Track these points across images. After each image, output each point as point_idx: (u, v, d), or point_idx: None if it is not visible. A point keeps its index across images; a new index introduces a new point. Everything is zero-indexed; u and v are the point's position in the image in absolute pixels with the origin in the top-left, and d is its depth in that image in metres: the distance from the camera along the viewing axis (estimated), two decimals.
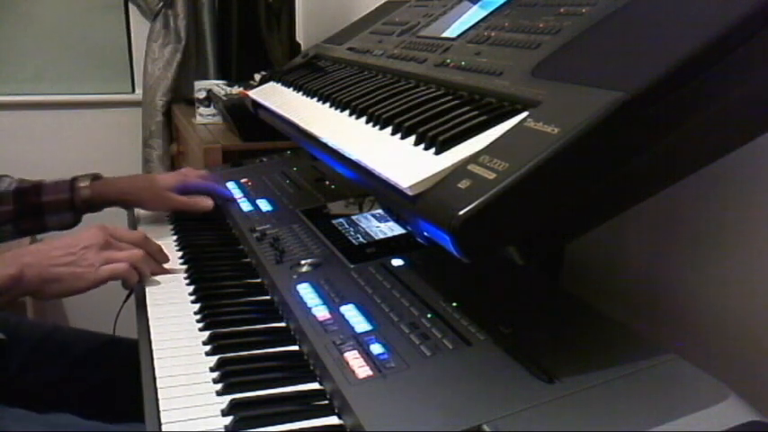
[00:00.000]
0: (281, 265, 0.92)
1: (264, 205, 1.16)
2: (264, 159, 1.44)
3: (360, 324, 0.74)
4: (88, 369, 1.13)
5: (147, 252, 0.94)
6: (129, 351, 1.02)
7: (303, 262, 0.91)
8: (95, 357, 1.15)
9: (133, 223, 1.20)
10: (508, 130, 0.59)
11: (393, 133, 0.71)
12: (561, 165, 0.52)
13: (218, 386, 0.70)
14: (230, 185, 1.28)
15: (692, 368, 0.60)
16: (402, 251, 0.90)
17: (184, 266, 1.00)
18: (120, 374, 1.11)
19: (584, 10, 0.70)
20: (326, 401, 0.67)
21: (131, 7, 2.54)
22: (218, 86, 1.98)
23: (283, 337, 0.80)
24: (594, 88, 0.55)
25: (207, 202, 1.17)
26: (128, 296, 1.05)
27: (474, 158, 0.57)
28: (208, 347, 0.78)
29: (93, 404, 1.10)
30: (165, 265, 0.98)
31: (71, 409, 1.06)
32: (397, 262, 0.87)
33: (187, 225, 1.17)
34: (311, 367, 0.73)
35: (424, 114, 0.70)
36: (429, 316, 0.74)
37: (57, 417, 1.02)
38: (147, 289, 0.94)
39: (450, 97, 0.72)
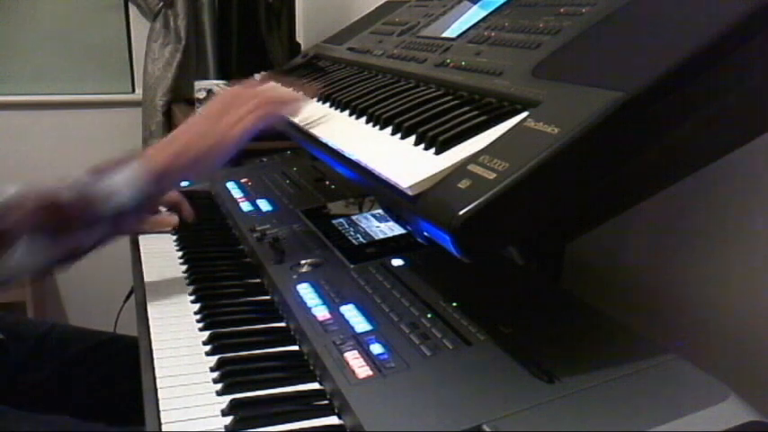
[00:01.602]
0: (281, 265, 0.92)
1: (264, 205, 1.16)
2: (264, 159, 1.44)
3: (360, 324, 0.74)
4: (88, 367, 1.13)
5: (270, 96, 0.91)
6: (129, 348, 1.02)
7: (303, 262, 0.91)
8: (95, 355, 1.15)
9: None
10: (508, 130, 0.59)
11: (393, 133, 0.71)
12: (561, 165, 0.52)
13: (218, 386, 0.70)
14: (230, 185, 1.28)
15: (692, 368, 0.60)
16: (402, 251, 0.90)
17: (184, 266, 1.00)
18: (121, 372, 1.11)
19: (584, 10, 0.70)
20: (326, 401, 0.67)
21: (131, 7, 2.54)
22: (218, 86, 1.98)
23: (283, 337, 0.80)
24: (594, 88, 0.55)
25: (172, 220, 1.13)
26: (128, 296, 1.05)
27: (474, 158, 0.57)
28: (208, 347, 0.78)
29: (93, 403, 1.10)
30: (166, 264, 0.98)
31: (71, 408, 1.06)
32: (397, 262, 0.87)
33: (187, 225, 1.17)
34: (311, 367, 0.73)
35: (424, 114, 0.70)
36: (429, 316, 0.74)
37: (56, 417, 1.02)
38: (148, 289, 0.94)
39: (450, 97, 0.72)
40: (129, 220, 0.84)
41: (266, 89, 0.93)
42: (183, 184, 1.35)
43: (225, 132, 0.86)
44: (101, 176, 0.81)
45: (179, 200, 1.16)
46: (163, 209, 1.19)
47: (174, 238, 1.12)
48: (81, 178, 0.81)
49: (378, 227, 1.00)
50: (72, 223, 0.79)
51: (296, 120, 0.91)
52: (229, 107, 0.88)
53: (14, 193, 0.79)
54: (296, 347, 0.77)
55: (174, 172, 0.85)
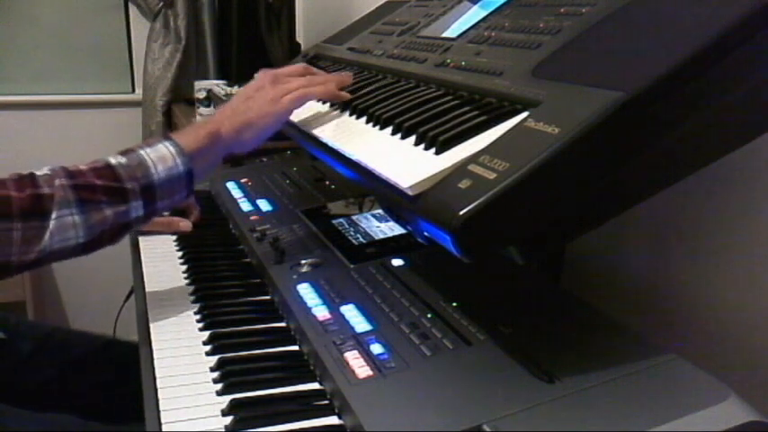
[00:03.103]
0: (281, 265, 0.92)
1: (264, 205, 1.16)
2: (264, 159, 1.44)
3: (360, 324, 0.74)
4: (88, 371, 1.13)
5: (315, 76, 0.93)
6: (128, 354, 1.02)
7: (303, 262, 0.91)
8: (95, 359, 1.15)
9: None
10: (508, 130, 0.59)
11: (393, 133, 0.71)
12: (561, 165, 0.52)
13: (218, 386, 0.70)
14: (230, 185, 1.28)
15: (692, 368, 0.60)
16: (402, 251, 0.90)
17: (184, 266, 1.00)
18: (120, 377, 1.11)
19: (584, 10, 0.70)
20: (326, 401, 0.67)
21: (131, 7, 2.54)
22: (218, 86, 1.98)
23: (283, 337, 0.80)
24: (594, 88, 0.55)
25: (184, 224, 1.12)
26: (128, 296, 1.05)
27: (474, 158, 0.57)
28: (208, 347, 0.78)
29: (93, 405, 1.10)
30: (166, 264, 0.98)
31: (71, 409, 1.06)
32: (397, 262, 0.87)
33: None
34: (311, 367, 0.73)
35: (425, 114, 0.70)
36: (429, 316, 0.74)
37: (56, 417, 1.02)
38: (148, 289, 0.94)
39: (450, 97, 0.72)
40: (173, 192, 0.82)
41: (309, 71, 0.94)
42: None
43: (277, 101, 0.86)
44: (135, 150, 0.81)
45: (191, 203, 1.15)
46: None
47: (174, 238, 1.12)
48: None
49: (378, 227, 1.00)
50: (114, 190, 0.78)
51: (296, 120, 0.91)
52: (278, 81, 0.89)
53: (48, 170, 0.79)
54: (296, 347, 0.77)
55: (223, 141, 0.85)
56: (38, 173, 0.78)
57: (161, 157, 0.80)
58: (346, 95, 0.88)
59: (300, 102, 0.88)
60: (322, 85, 0.89)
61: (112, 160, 0.80)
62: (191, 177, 0.82)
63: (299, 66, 0.95)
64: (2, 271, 0.76)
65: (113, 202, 0.78)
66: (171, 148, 0.81)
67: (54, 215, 0.75)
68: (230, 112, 0.87)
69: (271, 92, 0.87)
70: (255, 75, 0.92)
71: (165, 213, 1.13)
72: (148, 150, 0.81)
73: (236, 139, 0.86)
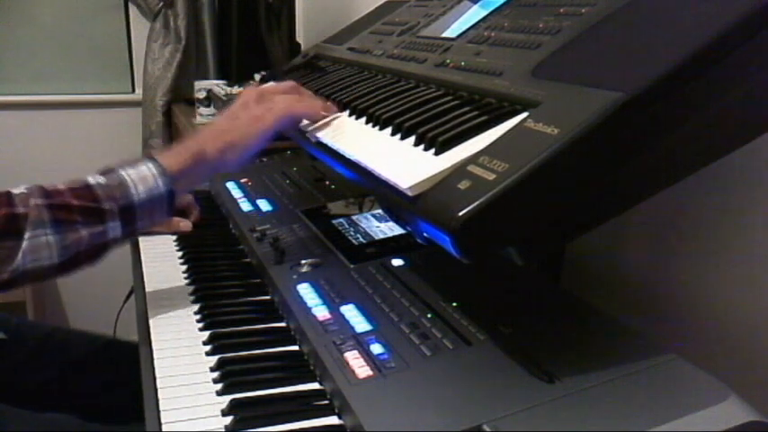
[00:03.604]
0: (281, 266, 0.92)
1: (264, 205, 1.16)
2: (264, 159, 1.44)
3: (360, 324, 0.74)
4: (88, 371, 1.13)
5: (301, 95, 0.91)
6: (128, 354, 1.02)
7: (303, 262, 0.91)
8: (95, 360, 1.15)
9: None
10: (508, 131, 0.59)
11: (393, 134, 0.71)
12: (561, 165, 0.52)
13: (218, 386, 0.70)
14: (230, 185, 1.28)
15: (692, 368, 0.60)
16: (402, 251, 0.90)
17: (184, 266, 1.00)
18: (120, 378, 1.11)
19: (584, 10, 0.70)
20: (326, 401, 0.67)
21: (131, 7, 2.54)
22: (218, 86, 1.98)
23: (283, 337, 0.80)
24: (594, 88, 0.55)
25: (184, 224, 1.12)
26: (128, 296, 1.05)
27: (474, 159, 0.57)
28: (208, 347, 0.78)
29: (93, 405, 1.10)
30: (166, 264, 0.98)
31: (71, 409, 1.06)
32: (397, 262, 0.87)
33: None
34: (311, 367, 0.73)
35: (424, 115, 0.70)
36: (429, 316, 0.74)
37: (57, 417, 1.02)
38: (148, 289, 0.94)
39: (450, 97, 0.72)
40: (153, 212, 0.82)
41: (296, 90, 0.93)
42: None
43: (261, 119, 0.86)
44: (115, 170, 0.81)
45: (191, 203, 1.15)
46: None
47: (174, 238, 1.12)
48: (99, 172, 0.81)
49: (378, 227, 1.00)
50: (90, 210, 0.77)
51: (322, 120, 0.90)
52: (263, 98, 0.88)
53: (24, 188, 0.78)
54: (296, 347, 0.77)
55: (207, 161, 0.85)
56: (14, 191, 0.77)
57: (142, 177, 0.80)
58: (329, 115, 0.87)
59: (285, 120, 0.87)
60: (307, 105, 0.89)
61: (91, 180, 0.79)
62: (172, 198, 0.82)
63: (287, 83, 0.94)
64: None
65: (89, 222, 0.77)
66: (153, 169, 0.81)
67: (27, 234, 0.74)
68: (215, 131, 0.87)
69: (255, 110, 0.87)
70: (241, 92, 0.91)
71: None
72: (129, 171, 0.80)
73: (220, 160, 0.85)
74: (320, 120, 0.87)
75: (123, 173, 0.80)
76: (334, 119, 0.86)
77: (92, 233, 0.78)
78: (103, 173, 0.81)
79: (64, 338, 1.18)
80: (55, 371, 1.11)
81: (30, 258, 0.75)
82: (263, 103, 0.87)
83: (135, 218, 0.80)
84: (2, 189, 0.77)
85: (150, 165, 0.81)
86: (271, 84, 0.95)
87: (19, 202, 0.76)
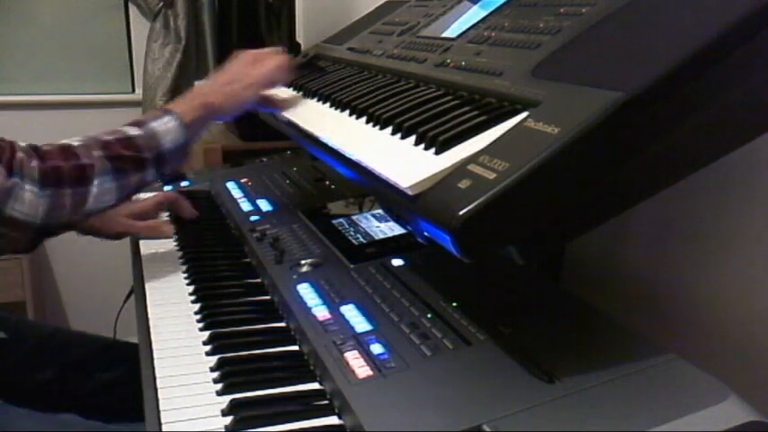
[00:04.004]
0: (281, 265, 0.92)
1: (264, 205, 1.16)
2: (264, 159, 1.44)
3: (360, 324, 0.74)
4: (88, 372, 1.13)
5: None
6: (128, 355, 1.02)
7: (303, 262, 0.91)
8: (96, 360, 1.15)
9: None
10: (508, 130, 0.59)
11: (393, 133, 0.71)
12: (561, 165, 0.52)
13: (218, 386, 0.70)
14: (230, 185, 1.28)
15: (692, 368, 0.60)
16: (402, 251, 0.90)
17: (184, 266, 1.00)
18: (120, 378, 1.11)
19: (584, 10, 0.70)
20: (326, 401, 0.67)
21: (131, 7, 2.54)
22: None
23: (283, 337, 0.80)
24: (594, 88, 0.55)
25: (168, 229, 1.12)
26: (128, 296, 1.05)
27: (474, 158, 0.57)
28: (208, 347, 0.78)
29: (94, 405, 1.10)
30: (166, 264, 0.98)
31: (71, 409, 1.06)
32: (397, 262, 0.87)
33: (187, 225, 1.17)
34: (311, 367, 0.73)
35: (425, 114, 0.70)
36: (429, 316, 0.74)
37: (58, 416, 1.02)
38: (148, 289, 0.94)
39: (450, 97, 0.72)
40: (178, 159, 0.93)
41: (279, 53, 1.03)
42: (183, 183, 1.35)
43: (247, 79, 0.97)
44: (147, 122, 0.91)
45: (177, 198, 1.16)
46: (164, 214, 1.19)
47: (174, 238, 1.12)
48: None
49: (378, 227, 1.00)
50: (136, 159, 0.88)
51: (296, 120, 0.91)
52: (257, 59, 1.00)
53: (79, 140, 0.88)
54: (296, 347, 0.77)
55: (212, 110, 0.95)
56: (73, 143, 0.87)
57: (168, 129, 0.91)
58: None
59: (278, 80, 1.00)
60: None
61: (131, 131, 0.89)
62: (189, 146, 0.93)
63: (275, 49, 1.04)
64: (53, 230, 0.86)
65: (137, 169, 0.89)
66: (175, 121, 0.91)
67: (96, 182, 0.86)
68: (217, 84, 0.97)
69: (250, 68, 0.98)
70: (235, 53, 1.02)
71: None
72: (157, 123, 0.91)
73: (222, 109, 0.96)
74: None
75: (154, 125, 0.91)
76: (335, 117, 0.86)
77: (138, 178, 0.90)
78: (136, 124, 0.91)
79: (65, 339, 1.18)
80: (56, 371, 1.11)
81: (96, 202, 0.86)
82: (256, 62, 0.99)
83: (164, 164, 0.91)
84: (62, 142, 0.88)
85: (171, 117, 0.92)
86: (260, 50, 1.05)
87: (82, 154, 0.86)
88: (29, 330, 1.17)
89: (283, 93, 1.08)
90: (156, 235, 1.11)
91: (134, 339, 0.88)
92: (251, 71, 0.98)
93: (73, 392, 1.11)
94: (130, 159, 0.88)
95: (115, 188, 0.88)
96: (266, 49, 1.03)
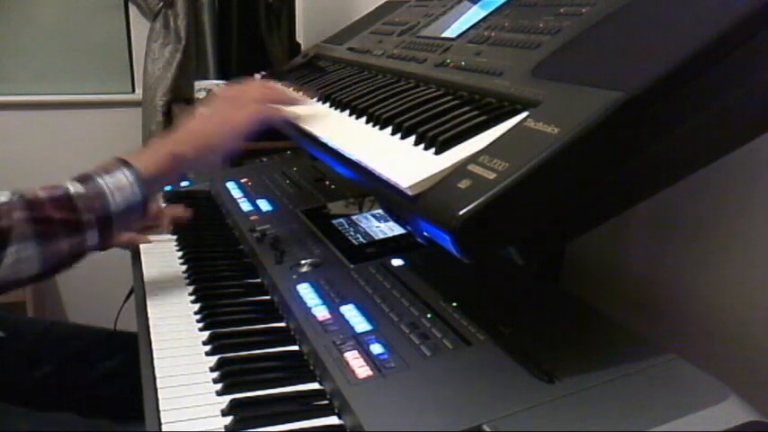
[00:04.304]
0: (281, 265, 0.92)
1: (264, 205, 1.16)
2: (264, 159, 1.44)
3: (360, 324, 0.74)
4: (88, 364, 1.13)
5: (271, 94, 0.93)
6: (128, 345, 1.02)
7: (303, 262, 0.91)
8: (95, 352, 1.15)
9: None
10: (508, 130, 0.59)
11: (393, 133, 0.71)
12: (561, 165, 0.52)
13: (218, 386, 0.70)
14: (230, 185, 1.28)
15: (692, 368, 0.60)
16: (402, 251, 0.90)
17: (184, 266, 1.00)
18: (121, 368, 1.11)
19: (584, 10, 0.70)
20: (326, 401, 0.67)
21: (131, 7, 2.54)
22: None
23: (283, 337, 0.80)
24: (594, 88, 0.55)
25: (144, 240, 1.10)
26: (128, 296, 1.05)
27: (474, 158, 0.57)
28: (208, 347, 0.78)
29: (93, 399, 1.10)
30: (166, 264, 0.98)
31: (71, 405, 1.06)
32: (397, 262, 0.87)
33: (187, 225, 1.16)
34: (311, 367, 0.73)
35: (424, 114, 0.70)
36: (429, 316, 0.74)
37: (57, 415, 1.02)
38: (148, 289, 0.94)
39: (450, 97, 0.72)
40: (129, 219, 0.84)
41: (266, 87, 0.95)
42: (183, 183, 1.35)
43: (235, 122, 0.87)
44: (94, 178, 0.82)
45: (160, 209, 1.14)
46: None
47: (174, 238, 1.12)
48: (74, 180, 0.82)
49: (378, 227, 1.00)
50: (70, 222, 0.78)
51: (296, 120, 0.91)
52: (236, 100, 0.90)
53: (5, 198, 0.78)
54: (296, 347, 0.77)
55: (184, 163, 0.87)
56: None
57: (119, 186, 0.81)
58: (299, 106, 0.90)
59: (257, 123, 0.89)
60: (276, 108, 0.91)
61: (71, 189, 0.80)
62: (146, 203, 0.84)
63: (257, 82, 0.97)
64: None
65: (70, 234, 0.79)
66: (129, 177, 0.82)
67: (11, 249, 0.76)
68: (189, 132, 0.89)
69: (229, 112, 0.89)
70: (214, 93, 0.93)
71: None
72: (107, 179, 0.81)
73: (195, 160, 0.88)
74: (292, 113, 0.90)
75: (101, 181, 0.81)
76: (335, 117, 0.86)
77: (71, 244, 0.79)
78: (82, 180, 0.81)
79: (62, 332, 1.18)
80: (54, 365, 1.11)
81: (12, 271, 0.76)
82: (236, 105, 0.89)
83: (112, 226, 0.82)
84: None
85: (126, 172, 0.82)
86: (240, 85, 0.96)
87: (2, 215, 0.76)
88: (27, 327, 1.17)
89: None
90: (135, 242, 1.08)
91: (134, 330, 0.87)
92: (231, 115, 0.88)
93: (72, 386, 1.11)
94: (62, 223, 0.78)
95: (37, 255, 0.77)
96: (252, 83, 0.95)
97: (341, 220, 1.04)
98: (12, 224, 0.75)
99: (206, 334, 0.80)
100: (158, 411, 0.67)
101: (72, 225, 0.79)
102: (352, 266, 0.88)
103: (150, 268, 1.01)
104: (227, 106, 0.90)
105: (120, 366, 1.11)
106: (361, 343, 0.70)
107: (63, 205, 0.79)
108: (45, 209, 0.78)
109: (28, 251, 0.76)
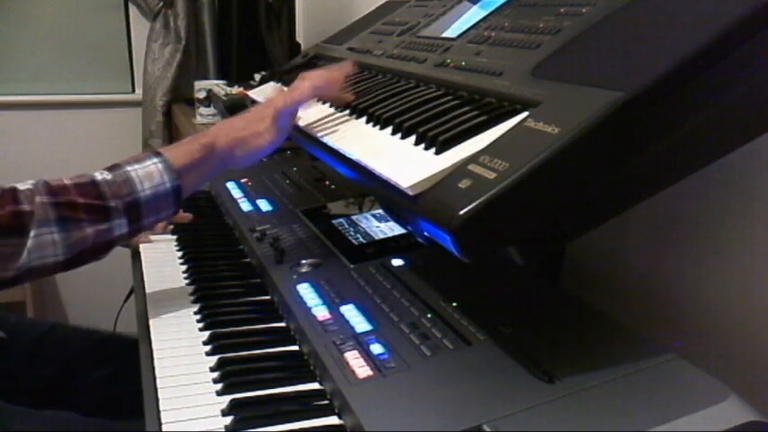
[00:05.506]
0: (281, 265, 0.92)
1: (264, 205, 1.16)
2: (264, 159, 1.44)
3: (360, 324, 0.74)
4: (88, 365, 1.13)
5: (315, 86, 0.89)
6: (129, 347, 1.02)
7: (303, 262, 0.91)
8: (95, 353, 1.15)
9: None
10: (508, 130, 0.59)
11: (393, 133, 0.71)
12: (561, 165, 0.52)
13: (218, 386, 0.70)
14: (230, 185, 1.28)
15: (692, 368, 0.60)
16: (402, 251, 0.90)
17: (184, 266, 1.00)
18: (121, 371, 1.11)
19: (584, 10, 0.70)
20: (326, 401, 0.67)
21: (131, 7, 2.54)
22: (218, 86, 1.98)
23: (283, 337, 0.80)
24: (594, 88, 0.55)
25: (145, 239, 1.10)
26: (128, 296, 1.05)
27: (474, 158, 0.57)
28: (208, 347, 0.78)
29: (94, 400, 1.10)
30: (166, 264, 0.98)
31: (71, 406, 1.06)
32: (397, 262, 0.87)
33: (187, 225, 1.17)
34: (311, 367, 0.73)
35: (425, 114, 0.70)
36: (429, 316, 0.74)
37: (57, 414, 1.02)
38: (148, 289, 0.94)
39: (450, 97, 0.72)
40: (159, 209, 0.82)
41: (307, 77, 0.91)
42: None
43: (257, 122, 0.86)
44: (122, 166, 0.81)
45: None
46: None
47: (174, 238, 1.12)
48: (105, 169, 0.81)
49: (378, 227, 1.00)
50: (95, 208, 0.77)
51: (296, 120, 0.91)
52: (266, 105, 0.88)
53: (30, 184, 0.78)
54: (296, 347, 0.77)
55: (216, 155, 0.85)
56: (20, 187, 0.77)
57: (148, 173, 0.80)
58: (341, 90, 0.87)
59: (284, 114, 0.87)
60: (297, 92, 0.88)
61: (98, 176, 0.79)
62: (178, 194, 0.82)
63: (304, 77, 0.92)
64: None
65: (95, 220, 0.77)
66: (159, 165, 0.81)
67: (33, 233, 0.74)
68: (228, 127, 0.87)
69: (269, 113, 0.87)
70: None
71: None
72: (136, 167, 0.80)
73: (229, 155, 0.85)
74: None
75: (129, 168, 0.80)
76: (335, 117, 0.86)
77: (97, 231, 0.77)
78: (110, 169, 0.81)
79: (63, 334, 1.18)
80: (55, 366, 1.11)
81: (35, 256, 0.75)
82: (272, 103, 0.88)
83: (141, 214, 0.80)
84: (7, 185, 0.77)
85: (156, 160, 0.81)
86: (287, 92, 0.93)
87: (24, 199, 0.75)
88: (27, 328, 1.17)
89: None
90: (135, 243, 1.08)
91: (134, 333, 0.87)
92: (265, 113, 0.86)
93: (73, 388, 1.11)
94: (86, 208, 0.76)
95: (61, 240, 0.75)
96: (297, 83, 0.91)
97: (341, 220, 1.04)
98: (34, 208, 0.74)
99: (206, 334, 0.80)
100: (158, 411, 0.67)
101: (97, 210, 0.77)
102: (352, 266, 0.88)
103: (150, 268, 1.01)
104: (264, 107, 0.88)
105: (121, 367, 1.11)
106: (361, 343, 0.70)
107: (88, 191, 0.77)
108: (69, 193, 0.77)
109: (51, 236, 0.75)
